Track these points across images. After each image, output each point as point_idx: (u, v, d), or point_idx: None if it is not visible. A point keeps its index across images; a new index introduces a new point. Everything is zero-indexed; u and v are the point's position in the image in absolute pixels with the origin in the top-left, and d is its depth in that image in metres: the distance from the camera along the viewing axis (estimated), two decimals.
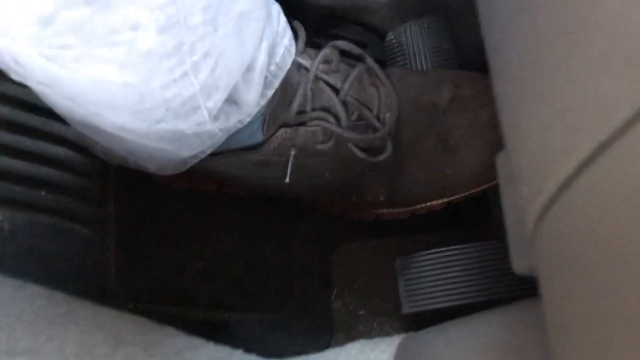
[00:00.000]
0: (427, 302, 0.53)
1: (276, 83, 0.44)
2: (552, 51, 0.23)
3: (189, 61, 0.34)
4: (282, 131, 0.47)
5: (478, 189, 0.53)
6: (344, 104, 0.48)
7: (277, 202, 0.57)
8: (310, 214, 0.60)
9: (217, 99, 0.39)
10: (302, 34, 0.47)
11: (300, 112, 0.47)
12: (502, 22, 0.29)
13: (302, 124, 0.47)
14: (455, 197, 0.54)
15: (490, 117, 0.51)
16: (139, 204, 0.54)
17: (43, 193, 0.48)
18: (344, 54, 0.50)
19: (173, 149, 0.43)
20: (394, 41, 0.60)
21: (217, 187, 0.56)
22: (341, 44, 0.49)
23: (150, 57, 0.32)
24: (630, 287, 0.19)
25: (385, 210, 0.56)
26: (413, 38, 0.59)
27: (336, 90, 0.48)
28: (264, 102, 0.44)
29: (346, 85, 0.47)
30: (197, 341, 0.46)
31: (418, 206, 0.55)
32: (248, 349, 0.50)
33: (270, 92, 0.44)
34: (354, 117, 0.48)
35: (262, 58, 0.41)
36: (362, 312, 0.58)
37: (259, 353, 0.51)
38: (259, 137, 0.47)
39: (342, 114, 0.47)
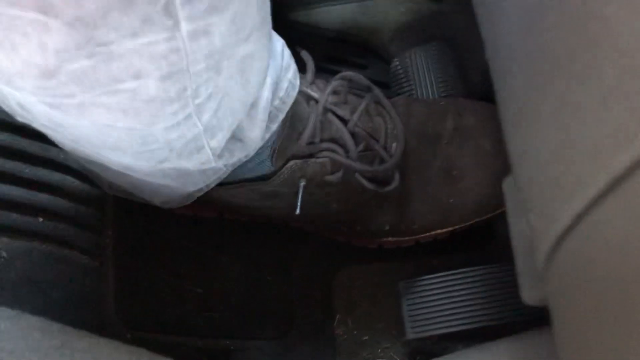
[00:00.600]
0: (432, 327, 0.52)
1: (281, 117, 0.44)
2: (562, 76, 0.23)
3: (192, 104, 0.34)
4: (292, 163, 0.47)
5: (483, 218, 0.53)
6: (352, 134, 0.48)
7: (277, 227, 0.56)
8: (311, 238, 0.59)
9: (220, 138, 0.39)
10: (311, 64, 0.47)
11: (310, 144, 0.47)
12: (508, 45, 0.29)
13: (311, 155, 0.47)
14: (460, 226, 0.54)
15: (493, 146, 0.51)
16: (138, 231, 0.53)
17: (41, 220, 0.47)
18: (351, 83, 0.50)
19: (178, 185, 0.43)
20: (399, 67, 0.61)
21: (220, 214, 0.55)
22: (349, 74, 0.49)
23: (154, 103, 0.32)
24: None
25: (389, 239, 0.55)
26: (419, 64, 0.59)
27: (344, 122, 0.48)
28: (268, 136, 0.44)
29: (355, 117, 0.48)
30: None
31: (422, 235, 0.55)
32: None
33: (274, 126, 0.44)
34: (360, 147, 0.48)
35: (266, 95, 0.41)
36: (366, 337, 0.57)
37: None
38: (267, 167, 0.47)
39: (351, 145, 0.47)
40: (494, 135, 0.51)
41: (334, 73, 0.56)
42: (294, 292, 0.58)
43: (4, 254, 0.44)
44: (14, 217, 0.46)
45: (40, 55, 0.27)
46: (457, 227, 0.54)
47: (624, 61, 0.19)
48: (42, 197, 0.48)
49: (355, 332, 0.58)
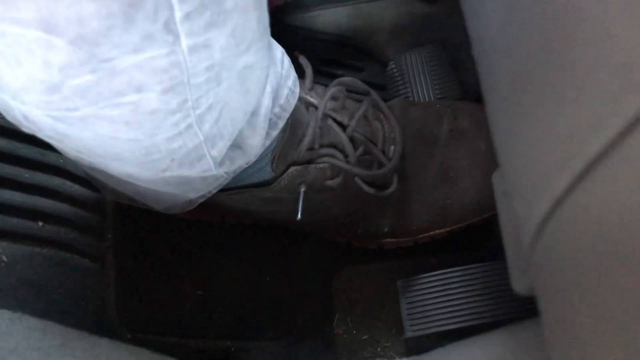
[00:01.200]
0: (430, 325, 0.52)
1: (281, 124, 0.44)
2: (540, 66, 0.23)
3: (193, 115, 0.34)
4: (292, 169, 0.47)
5: (480, 218, 0.54)
6: (351, 139, 0.48)
7: (277, 228, 0.56)
8: (311, 239, 0.60)
9: (221, 147, 0.39)
10: (309, 71, 0.48)
11: (310, 149, 0.47)
12: (491, 38, 0.29)
13: (311, 161, 0.48)
14: (458, 226, 0.54)
15: (489, 147, 0.52)
16: (138, 233, 0.53)
17: (41, 224, 0.47)
18: (349, 88, 0.50)
19: (180, 192, 0.44)
20: (395, 70, 0.61)
21: (221, 217, 0.56)
22: (347, 80, 0.50)
23: (155, 114, 0.32)
24: (628, 300, 0.18)
25: (389, 240, 0.56)
26: (414, 67, 0.60)
27: (343, 127, 0.48)
28: (268, 142, 0.44)
29: (353, 122, 0.48)
30: None
31: (421, 235, 0.55)
32: None
33: (275, 133, 0.44)
34: (359, 152, 0.49)
35: (266, 103, 0.41)
36: (366, 336, 0.58)
37: None
38: (268, 173, 0.47)
39: (350, 150, 0.48)
40: (489, 136, 0.51)
41: (330, 76, 0.56)
42: (294, 293, 0.58)
43: (5, 258, 0.45)
44: (15, 222, 0.46)
45: (45, 71, 0.28)
46: (454, 227, 0.54)
47: (596, 50, 0.20)
48: (42, 202, 0.48)
49: (355, 332, 0.58)
